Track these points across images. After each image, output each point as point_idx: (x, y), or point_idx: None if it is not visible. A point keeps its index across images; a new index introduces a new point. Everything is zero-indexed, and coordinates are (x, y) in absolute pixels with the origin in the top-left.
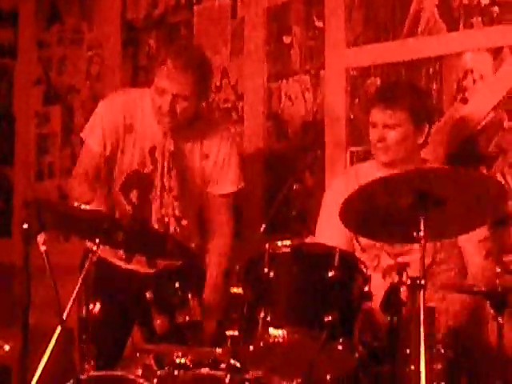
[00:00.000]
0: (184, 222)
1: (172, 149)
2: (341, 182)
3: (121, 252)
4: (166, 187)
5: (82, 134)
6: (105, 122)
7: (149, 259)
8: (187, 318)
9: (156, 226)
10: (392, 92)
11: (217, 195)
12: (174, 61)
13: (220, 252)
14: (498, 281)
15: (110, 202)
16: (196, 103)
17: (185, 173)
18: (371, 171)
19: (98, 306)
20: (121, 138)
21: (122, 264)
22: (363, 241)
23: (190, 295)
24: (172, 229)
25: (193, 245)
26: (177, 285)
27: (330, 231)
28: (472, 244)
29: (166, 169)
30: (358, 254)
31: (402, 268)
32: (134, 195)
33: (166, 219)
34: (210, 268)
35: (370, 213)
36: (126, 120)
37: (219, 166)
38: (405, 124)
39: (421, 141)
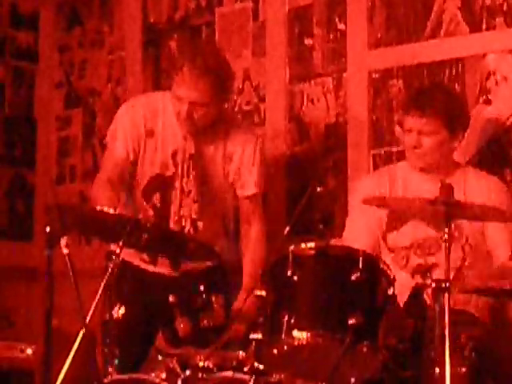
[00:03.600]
0: (200, 224)
1: (193, 151)
2: (371, 183)
3: (145, 255)
4: (185, 190)
5: (105, 140)
6: (126, 127)
7: (173, 261)
8: (211, 323)
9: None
10: (428, 98)
11: (243, 197)
12: (190, 67)
13: (255, 236)
14: None
15: (132, 208)
16: (215, 108)
17: (205, 175)
18: (405, 173)
19: (122, 309)
20: (142, 143)
21: (147, 267)
22: (391, 241)
23: (213, 298)
24: (187, 231)
25: (217, 248)
26: (201, 287)
27: (357, 231)
28: (500, 237)
29: (185, 171)
30: (384, 254)
31: (428, 269)
32: (156, 199)
33: (183, 221)
34: (245, 257)
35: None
36: (146, 124)
37: (243, 168)
38: (440, 131)
39: (456, 145)
